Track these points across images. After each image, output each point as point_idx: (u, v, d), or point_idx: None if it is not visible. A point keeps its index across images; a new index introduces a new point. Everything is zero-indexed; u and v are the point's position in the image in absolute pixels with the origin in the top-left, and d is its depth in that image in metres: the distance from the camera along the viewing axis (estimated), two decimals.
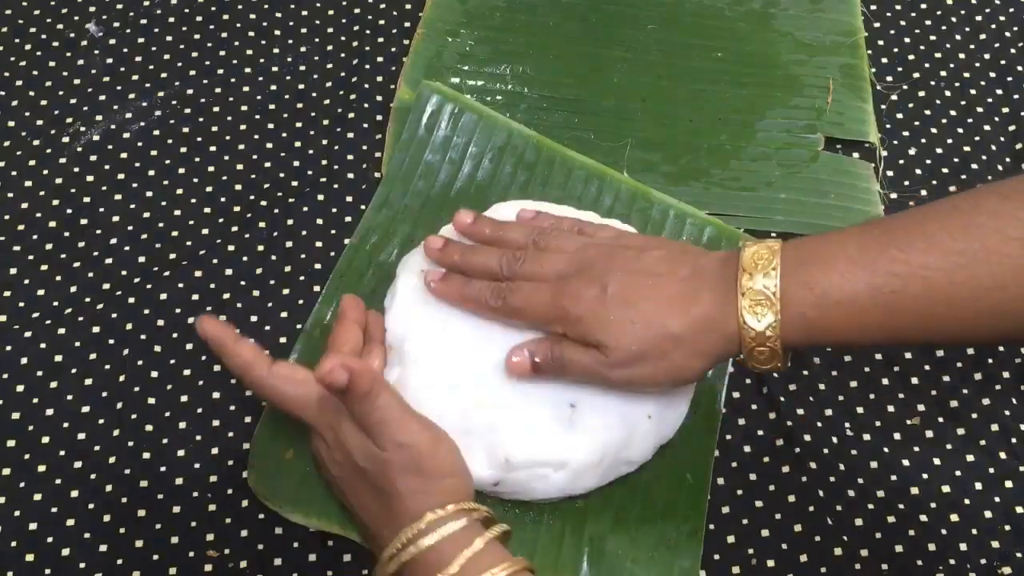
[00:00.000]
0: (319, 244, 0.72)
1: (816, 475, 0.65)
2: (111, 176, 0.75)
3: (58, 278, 0.71)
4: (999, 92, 0.80)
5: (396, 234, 0.71)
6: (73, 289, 0.70)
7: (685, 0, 0.85)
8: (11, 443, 0.65)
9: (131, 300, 0.70)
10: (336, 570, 0.62)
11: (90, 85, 0.79)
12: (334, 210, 0.74)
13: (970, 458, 0.65)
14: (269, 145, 0.77)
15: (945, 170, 0.76)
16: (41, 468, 0.64)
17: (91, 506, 0.63)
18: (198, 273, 0.71)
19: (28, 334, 0.68)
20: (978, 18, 0.84)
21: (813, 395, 0.67)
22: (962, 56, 0.82)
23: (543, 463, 0.60)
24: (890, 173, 0.76)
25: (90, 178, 0.75)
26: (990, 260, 0.52)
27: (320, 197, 0.74)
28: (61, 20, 0.82)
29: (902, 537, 0.63)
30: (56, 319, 0.69)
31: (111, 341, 0.68)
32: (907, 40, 0.83)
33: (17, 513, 0.63)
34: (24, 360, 0.68)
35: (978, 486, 0.64)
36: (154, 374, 0.67)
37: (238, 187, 0.75)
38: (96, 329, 0.69)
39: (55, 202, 0.74)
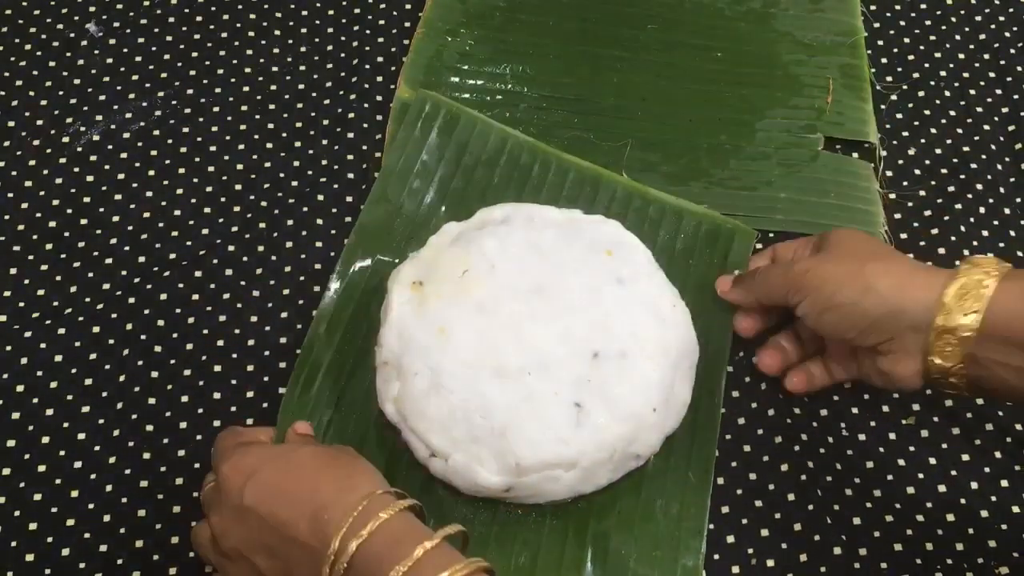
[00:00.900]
0: (319, 244, 0.72)
1: (814, 475, 0.65)
2: (111, 176, 0.75)
3: (58, 278, 0.71)
4: (999, 92, 0.80)
5: (394, 232, 0.71)
6: (73, 289, 0.70)
7: (685, 0, 0.85)
8: (11, 443, 0.65)
9: (131, 300, 0.70)
10: None
11: (90, 85, 0.79)
12: (334, 210, 0.74)
13: (965, 458, 0.65)
14: (269, 145, 0.77)
15: (944, 170, 0.76)
16: (41, 468, 0.64)
17: (91, 506, 0.63)
18: (198, 273, 0.71)
19: (28, 334, 0.68)
20: (978, 18, 0.84)
21: (810, 395, 0.67)
22: (962, 56, 0.82)
23: (554, 464, 0.60)
24: (890, 173, 0.76)
25: (90, 178, 0.75)
26: None
27: (320, 197, 0.74)
28: (61, 20, 0.82)
29: (900, 536, 0.63)
30: (56, 319, 0.69)
31: (111, 341, 0.68)
32: (907, 40, 0.83)
33: (17, 513, 0.63)
34: (24, 360, 0.68)
35: (974, 485, 0.64)
36: (154, 374, 0.67)
37: (238, 187, 0.75)
38: (96, 329, 0.69)
39: (55, 202, 0.74)
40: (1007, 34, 0.83)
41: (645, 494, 0.63)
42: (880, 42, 0.83)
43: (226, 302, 0.70)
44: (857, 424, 0.67)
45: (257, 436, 0.60)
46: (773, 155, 0.77)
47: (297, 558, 0.51)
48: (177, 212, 0.74)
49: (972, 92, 0.80)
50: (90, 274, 0.71)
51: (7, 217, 0.73)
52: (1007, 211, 0.75)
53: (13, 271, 0.71)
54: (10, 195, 0.74)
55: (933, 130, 0.79)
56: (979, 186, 0.76)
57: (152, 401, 0.66)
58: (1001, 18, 0.84)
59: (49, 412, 0.66)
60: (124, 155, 0.76)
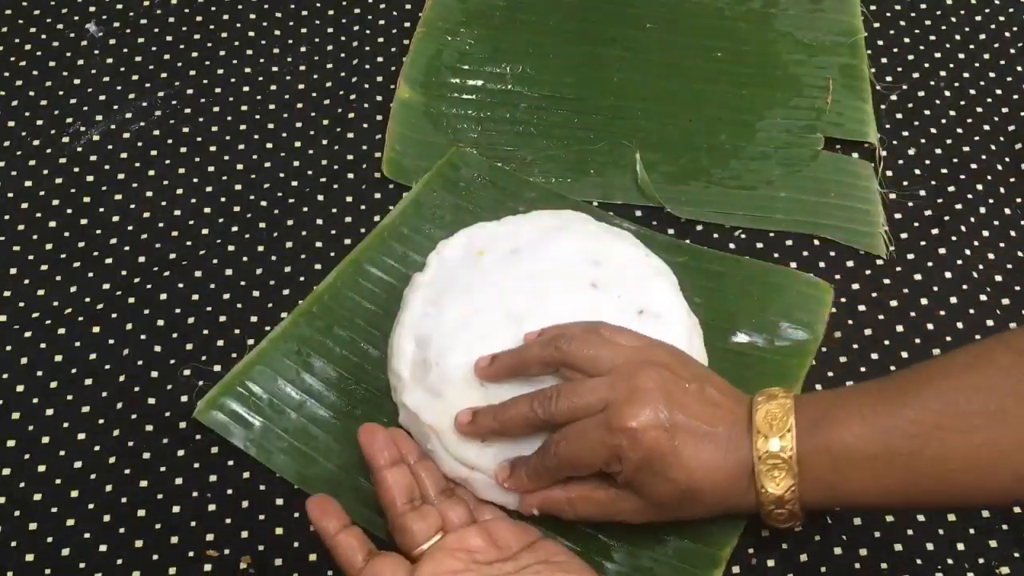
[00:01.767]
0: (319, 244, 0.72)
1: None
2: (111, 176, 0.75)
3: (58, 278, 0.71)
4: (999, 92, 0.80)
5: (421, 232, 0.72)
6: (73, 289, 0.70)
7: (685, 0, 0.85)
8: (11, 443, 0.65)
9: (131, 300, 0.70)
10: (336, 570, 0.61)
11: (90, 85, 0.79)
12: (334, 210, 0.74)
13: None
14: (269, 145, 0.77)
15: (944, 170, 0.76)
16: (41, 468, 0.64)
17: (91, 506, 0.63)
18: (198, 273, 0.71)
19: (28, 334, 0.68)
20: (978, 18, 0.84)
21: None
22: (962, 56, 0.82)
23: None
24: (889, 173, 0.76)
25: (90, 178, 0.75)
26: (1008, 422, 0.50)
27: (320, 197, 0.74)
28: (61, 20, 0.82)
29: (901, 536, 0.63)
30: (56, 319, 0.69)
31: (111, 341, 0.68)
32: (907, 40, 0.83)
33: (17, 513, 0.63)
34: (24, 360, 0.68)
35: None
36: (153, 374, 0.67)
37: (238, 187, 0.75)
38: (96, 329, 0.69)
39: (55, 202, 0.74)
40: (1007, 34, 0.83)
41: None
42: (880, 42, 0.83)
43: (226, 302, 0.70)
44: None
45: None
46: (773, 155, 0.77)
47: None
48: (177, 212, 0.74)
49: (972, 92, 0.80)
50: (90, 274, 0.71)
51: (7, 217, 0.73)
52: (1007, 211, 0.75)
53: (13, 271, 0.71)
54: (10, 195, 0.74)
55: (933, 130, 0.79)
56: (979, 186, 0.76)
57: (152, 401, 0.66)
58: (1001, 18, 0.84)
59: (49, 412, 0.66)
60: (124, 155, 0.76)
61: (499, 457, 0.60)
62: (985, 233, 0.74)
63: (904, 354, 0.69)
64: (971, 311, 0.70)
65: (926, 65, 0.82)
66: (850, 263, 0.72)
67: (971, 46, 0.83)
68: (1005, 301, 0.71)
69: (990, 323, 0.70)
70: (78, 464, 0.64)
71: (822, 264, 0.72)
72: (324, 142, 0.77)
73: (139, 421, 0.66)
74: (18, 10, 0.82)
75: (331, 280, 0.70)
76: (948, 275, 0.72)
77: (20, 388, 0.67)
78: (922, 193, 0.76)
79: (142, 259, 0.72)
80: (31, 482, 0.64)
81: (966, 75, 0.81)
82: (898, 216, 0.74)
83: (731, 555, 0.62)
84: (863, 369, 0.68)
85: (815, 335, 0.69)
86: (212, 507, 0.63)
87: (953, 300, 0.71)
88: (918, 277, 0.72)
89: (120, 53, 0.81)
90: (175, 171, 0.75)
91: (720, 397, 0.57)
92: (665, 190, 0.75)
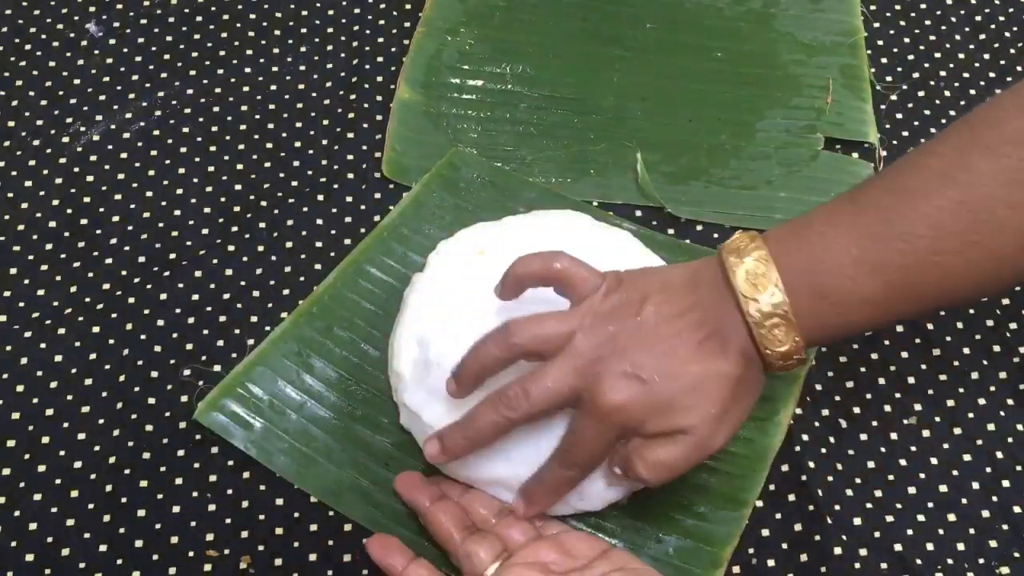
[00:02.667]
0: (319, 244, 0.72)
1: (815, 474, 0.65)
2: (111, 176, 0.75)
3: (58, 278, 0.71)
4: (999, 92, 0.80)
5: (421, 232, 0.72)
6: (73, 289, 0.70)
7: (685, 0, 0.85)
8: (11, 443, 0.65)
9: (131, 300, 0.70)
10: (336, 570, 0.62)
11: (90, 85, 0.79)
12: (334, 210, 0.74)
13: (967, 458, 0.65)
14: (269, 145, 0.77)
15: None
16: (41, 468, 0.64)
17: (91, 506, 0.63)
18: (198, 273, 0.71)
19: (28, 334, 0.68)
20: (978, 18, 0.84)
21: (811, 395, 0.67)
22: (962, 56, 0.82)
23: None
24: None
25: (90, 178, 0.75)
26: (1004, 232, 0.50)
27: (320, 197, 0.74)
28: (61, 20, 0.82)
29: (901, 536, 0.63)
30: (56, 319, 0.69)
31: (111, 341, 0.68)
32: (907, 40, 0.83)
33: (17, 513, 0.63)
34: (24, 360, 0.68)
35: (975, 486, 0.64)
36: (153, 374, 0.67)
37: (238, 187, 0.75)
38: (96, 329, 0.69)
39: (55, 202, 0.74)
40: (1007, 34, 0.83)
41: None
42: (880, 42, 0.83)
43: (226, 302, 0.70)
44: (860, 424, 0.67)
45: None
46: (773, 155, 0.77)
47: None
48: (177, 212, 0.74)
49: (972, 92, 0.80)
50: (90, 274, 0.71)
51: (7, 217, 0.73)
52: None
53: (13, 271, 0.71)
54: (10, 195, 0.74)
55: (933, 130, 0.79)
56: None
57: (152, 401, 0.66)
58: (1001, 18, 0.84)
59: (49, 412, 0.66)
60: (124, 155, 0.76)
61: (504, 460, 0.60)
62: None
63: (904, 354, 0.69)
64: (971, 311, 0.70)
65: (926, 65, 0.82)
66: None
67: (971, 46, 0.83)
68: (1005, 301, 0.71)
69: (990, 323, 0.70)
70: (78, 464, 0.64)
71: None
72: (324, 142, 0.77)
73: (139, 421, 0.66)
74: (18, 10, 0.82)
75: (331, 281, 0.70)
76: None
77: (20, 388, 0.67)
78: None
79: (142, 259, 0.72)
80: (31, 482, 0.64)
81: (966, 75, 0.81)
82: None
83: (731, 555, 0.62)
84: (863, 369, 0.68)
85: None
86: (212, 507, 0.63)
87: None
88: None
89: (120, 53, 0.81)
90: (175, 171, 0.75)
91: (678, 299, 0.54)
92: (665, 190, 0.75)
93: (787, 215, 0.74)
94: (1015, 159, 0.49)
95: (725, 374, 0.53)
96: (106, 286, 0.70)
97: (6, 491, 0.63)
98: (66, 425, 0.65)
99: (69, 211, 0.73)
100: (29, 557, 0.61)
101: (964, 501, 0.64)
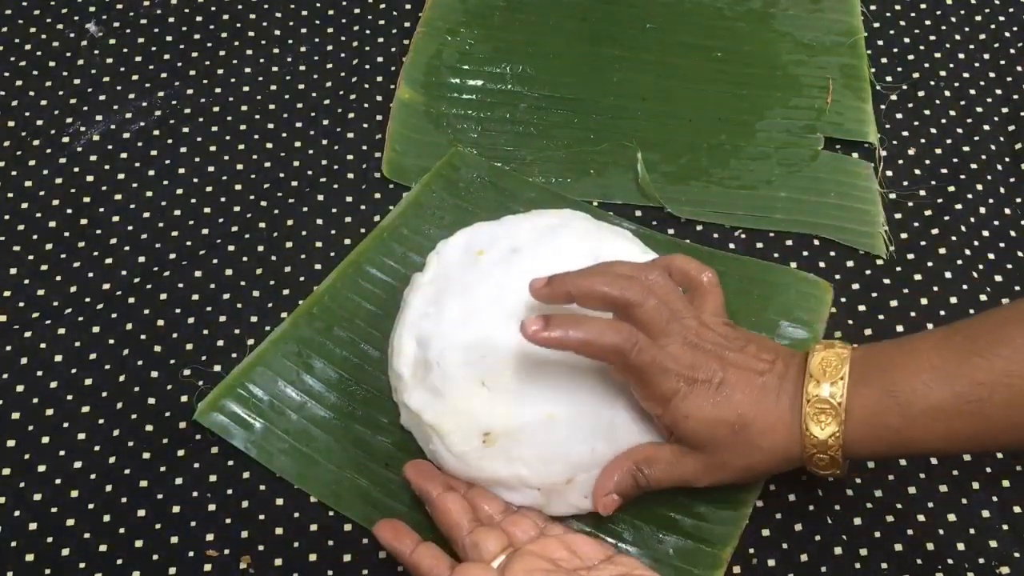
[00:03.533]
0: (319, 244, 0.72)
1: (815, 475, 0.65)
2: (111, 176, 0.75)
3: (58, 278, 0.71)
4: (999, 92, 0.80)
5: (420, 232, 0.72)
6: (73, 289, 0.70)
7: (685, 0, 0.85)
8: (11, 443, 0.65)
9: (131, 300, 0.70)
10: (336, 570, 0.62)
11: (90, 85, 0.79)
12: (334, 210, 0.74)
13: (967, 457, 0.65)
14: (269, 145, 0.77)
15: (944, 170, 0.76)
16: (41, 468, 0.64)
17: (91, 506, 0.63)
18: (198, 273, 0.71)
19: (28, 334, 0.68)
20: (978, 18, 0.84)
21: None
22: (962, 56, 0.82)
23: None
24: (889, 173, 0.76)
25: (90, 178, 0.75)
26: None
27: (320, 197, 0.74)
28: (61, 20, 0.82)
29: (901, 536, 0.63)
30: (56, 319, 0.69)
31: (111, 341, 0.68)
32: (907, 40, 0.83)
33: (17, 513, 0.63)
34: (24, 360, 0.68)
35: (975, 485, 0.64)
36: (154, 374, 0.67)
37: (238, 187, 0.75)
38: (96, 329, 0.69)
39: (55, 202, 0.74)
40: (1007, 34, 0.83)
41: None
42: (880, 42, 0.83)
43: (226, 302, 0.70)
44: None
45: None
46: (773, 155, 0.77)
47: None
48: (177, 212, 0.74)
49: (972, 92, 0.80)
50: (90, 274, 0.71)
51: (7, 217, 0.73)
52: (1007, 211, 0.75)
53: (13, 271, 0.71)
54: (10, 195, 0.74)
55: (933, 130, 0.79)
56: (979, 186, 0.76)
57: (152, 401, 0.66)
58: (1001, 18, 0.84)
59: (49, 412, 0.66)
60: (124, 155, 0.76)
61: (505, 460, 0.60)
62: (985, 233, 0.74)
63: None
64: (971, 311, 0.70)
65: (926, 65, 0.82)
66: (850, 263, 0.72)
67: (971, 46, 0.83)
68: (1005, 301, 0.71)
69: None
70: (78, 464, 0.64)
71: (822, 264, 0.72)
72: (324, 142, 0.77)
73: (139, 421, 0.66)
74: (18, 10, 0.82)
75: (331, 281, 0.70)
76: (948, 275, 0.72)
77: (20, 388, 0.67)
78: (922, 193, 0.75)
79: (142, 259, 0.72)
80: (31, 482, 0.64)
81: (966, 75, 0.81)
82: (898, 216, 0.74)
83: (732, 555, 0.62)
84: None
85: (815, 334, 0.69)
86: (212, 507, 0.63)
87: (953, 300, 0.71)
88: (918, 277, 0.72)
89: (120, 53, 0.81)
90: (175, 171, 0.75)
91: (769, 353, 0.58)
92: (665, 190, 0.75)
93: (787, 215, 0.74)
94: None
95: (762, 462, 0.58)
96: (106, 286, 0.70)
97: (6, 491, 0.63)
98: (66, 425, 0.65)
99: (69, 211, 0.73)
100: (29, 557, 0.61)
101: (964, 501, 0.64)
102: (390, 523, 0.59)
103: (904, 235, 0.74)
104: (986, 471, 0.65)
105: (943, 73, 0.81)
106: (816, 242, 0.73)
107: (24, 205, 0.74)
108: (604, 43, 0.82)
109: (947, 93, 0.80)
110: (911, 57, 0.82)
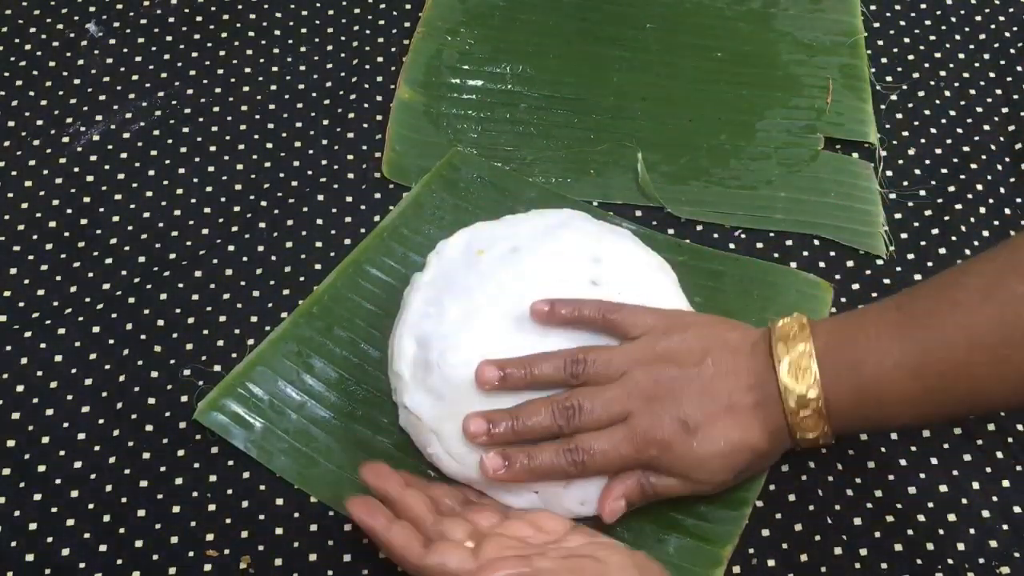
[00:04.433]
0: (319, 244, 0.72)
1: (815, 474, 0.65)
2: (111, 176, 0.75)
3: (58, 278, 0.71)
4: (999, 92, 0.80)
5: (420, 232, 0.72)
6: (73, 289, 0.70)
7: (685, 0, 0.85)
8: (11, 443, 0.65)
9: (131, 300, 0.70)
10: (336, 570, 0.62)
11: (90, 85, 0.79)
12: (334, 210, 0.74)
13: (967, 457, 0.65)
14: (269, 145, 0.77)
15: (944, 170, 0.76)
16: (41, 468, 0.64)
17: (91, 506, 0.63)
18: (198, 273, 0.71)
19: (28, 334, 0.68)
20: (978, 18, 0.84)
21: None
22: (962, 56, 0.82)
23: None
24: (889, 173, 0.76)
25: (90, 178, 0.75)
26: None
27: (320, 197, 0.74)
28: (61, 20, 0.82)
29: (901, 536, 0.63)
30: (56, 319, 0.69)
31: (111, 341, 0.68)
32: (907, 40, 0.83)
33: (17, 513, 0.63)
34: (24, 360, 0.68)
35: (975, 485, 0.64)
36: (154, 374, 0.67)
37: (238, 187, 0.75)
38: (96, 329, 0.69)
39: (55, 202, 0.74)
40: (1007, 34, 0.83)
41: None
42: (880, 42, 0.83)
43: (226, 302, 0.70)
44: None
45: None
46: (773, 155, 0.77)
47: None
48: (177, 212, 0.74)
49: (972, 92, 0.80)
50: (90, 274, 0.71)
51: (7, 217, 0.73)
52: (1007, 211, 0.75)
53: (13, 271, 0.71)
54: (10, 195, 0.74)
55: (933, 130, 0.79)
56: (979, 186, 0.76)
57: (152, 401, 0.66)
58: (1001, 18, 0.84)
59: (49, 412, 0.66)
60: (124, 155, 0.76)
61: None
62: (985, 233, 0.74)
63: None
64: None
65: (926, 65, 0.82)
66: (850, 263, 0.72)
67: (971, 46, 0.83)
68: None
69: None
70: (78, 464, 0.64)
71: (822, 264, 0.72)
72: (324, 142, 0.77)
73: (139, 421, 0.66)
74: (18, 10, 0.82)
75: (331, 281, 0.70)
76: None
77: (20, 388, 0.67)
78: (922, 193, 0.76)
79: (142, 259, 0.72)
80: (31, 482, 0.64)
81: (966, 75, 0.81)
82: (898, 216, 0.74)
83: (731, 555, 0.62)
84: None
85: None
86: (212, 507, 0.63)
87: None
88: (918, 277, 0.72)
89: (120, 53, 0.81)
90: (175, 171, 0.75)
91: (736, 359, 0.59)
92: (665, 190, 0.75)
93: (787, 215, 0.74)
94: None
95: (754, 448, 0.58)
96: (106, 286, 0.70)
97: (6, 491, 0.63)
98: (66, 425, 0.65)
99: (69, 211, 0.73)
100: (29, 557, 0.61)
101: (964, 501, 0.64)
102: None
103: (904, 235, 0.74)
104: (986, 471, 0.65)
105: (943, 73, 0.81)
106: (816, 242, 0.73)
107: (24, 205, 0.74)
108: (604, 43, 0.82)
109: (947, 93, 0.80)
110: (911, 57, 0.82)
